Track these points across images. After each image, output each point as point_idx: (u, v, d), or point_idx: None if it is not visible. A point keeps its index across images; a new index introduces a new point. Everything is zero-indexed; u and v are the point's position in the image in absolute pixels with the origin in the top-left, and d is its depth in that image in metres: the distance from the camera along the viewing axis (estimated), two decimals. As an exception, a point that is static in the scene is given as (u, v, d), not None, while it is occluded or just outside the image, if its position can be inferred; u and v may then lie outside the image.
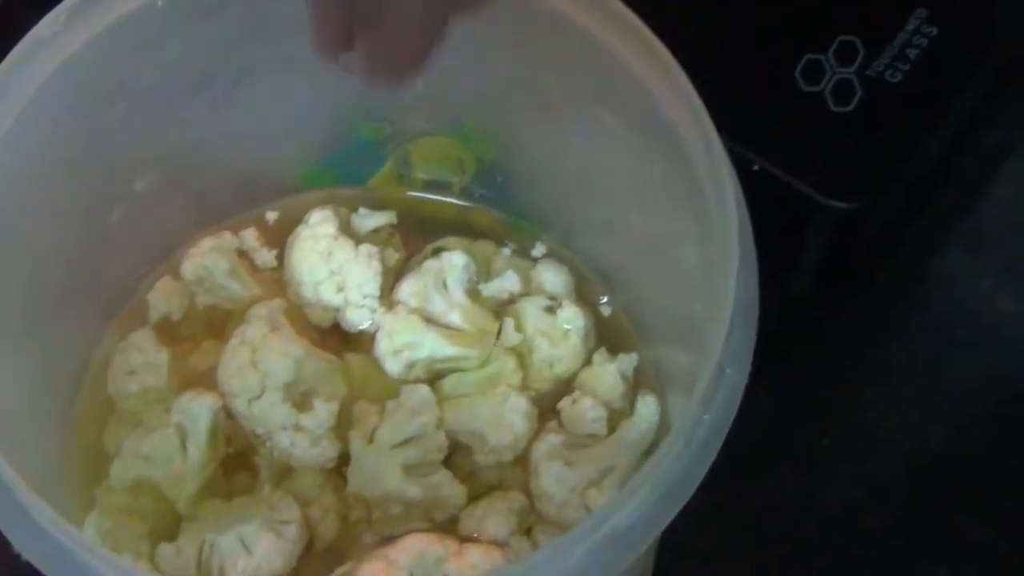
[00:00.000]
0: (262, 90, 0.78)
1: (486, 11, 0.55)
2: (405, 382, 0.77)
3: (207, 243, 0.82)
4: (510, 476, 0.75)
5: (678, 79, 0.63)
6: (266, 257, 0.83)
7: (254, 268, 0.83)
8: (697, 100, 0.62)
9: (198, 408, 0.73)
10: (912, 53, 0.84)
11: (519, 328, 0.78)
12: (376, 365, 0.78)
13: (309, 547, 0.73)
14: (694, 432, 0.57)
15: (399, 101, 0.73)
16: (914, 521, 0.88)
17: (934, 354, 0.95)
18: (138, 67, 0.72)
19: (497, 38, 0.67)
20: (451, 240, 0.83)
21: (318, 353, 0.76)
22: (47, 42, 0.66)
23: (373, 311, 0.79)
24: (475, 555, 0.68)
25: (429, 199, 0.87)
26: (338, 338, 0.80)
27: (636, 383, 0.77)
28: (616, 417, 0.76)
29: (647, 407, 0.74)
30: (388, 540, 0.71)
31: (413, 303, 0.78)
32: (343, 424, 0.75)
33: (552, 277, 0.81)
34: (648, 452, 0.73)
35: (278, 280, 0.82)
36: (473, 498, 0.74)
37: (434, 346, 0.77)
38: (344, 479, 0.74)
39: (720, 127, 0.62)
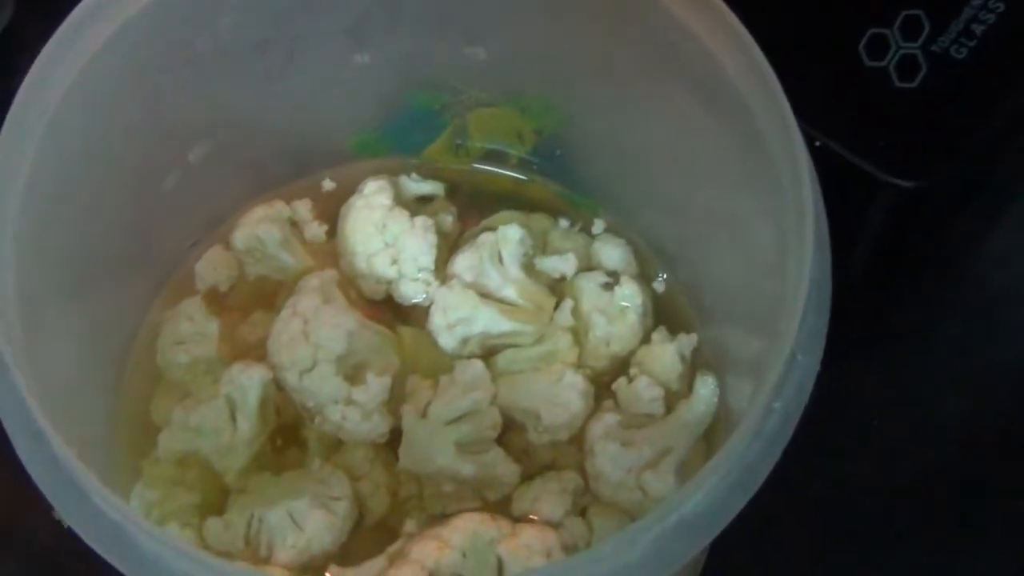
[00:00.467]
0: (317, 58, 0.77)
1: None
2: (459, 357, 0.76)
3: (259, 212, 0.81)
4: (564, 455, 0.74)
5: (753, 54, 0.61)
6: (316, 231, 0.82)
7: (304, 240, 0.82)
8: (772, 76, 0.61)
9: (248, 380, 0.72)
10: (978, 29, 0.82)
11: (575, 304, 0.77)
12: (429, 339, 0.77)
13: (359, 523, 0.72)
14: (764, 421, 0.56)
15: (460, 70, 0.72)
16: (966, 504, 0.87)
17: (989, 335, 0.93)
18: (193, 34, 0.71)
19: (565, 9, 0.66)
20: (507, 213, 0.81)
21: (371, 326, 0.75)
22: (103, 8, 0.65)
23: (427, 284, 0.78)
24: (529, 536, 0.67)
25: (485, 171, 0.85)
26: (390, 311, 0.79)
27: (693, 363, 0.76)
28: (672, 398, 0.74)
29: (706, 388, 0.73)
30: (440, 518, 0.70)
31: (468, 277, 0.77)
32: (395, 399, 0.74)
33: (612, 253, 0.80)
34: (706, 434, 0.72)
35: (330, 251, 0.81)
36: (526, 477, 0.73)
37: (489, 321, 0.76)
38: (395, 455, 0.73)
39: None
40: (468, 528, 0.67)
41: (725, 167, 0.68)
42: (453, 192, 0.84)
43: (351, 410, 0.72)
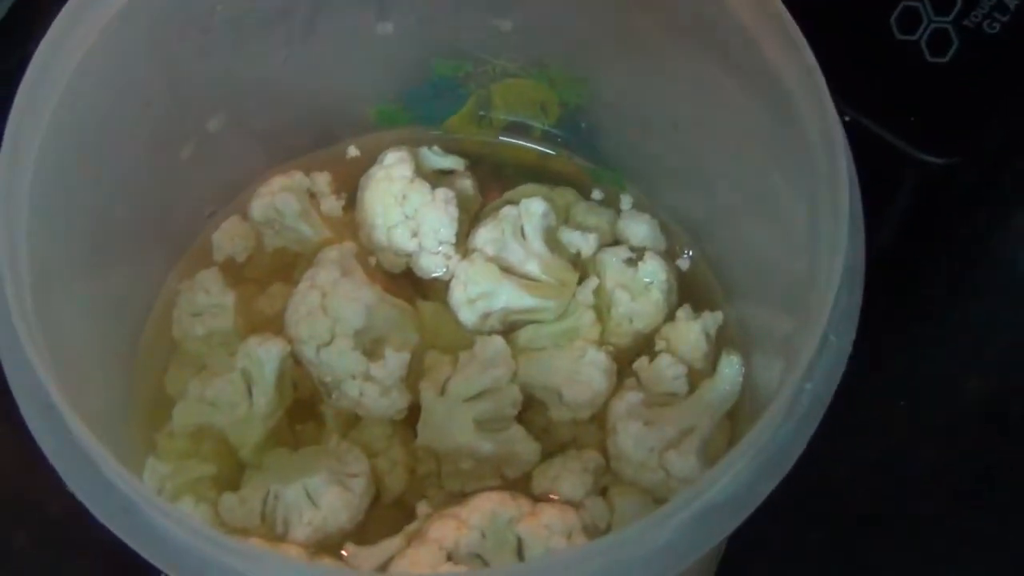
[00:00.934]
0: (340, 26, 0.76)
1: None
2: (479, 333, 0.75)
3: (277, 182, 0.80)
4: (586, 434, 0.73)
5: (788, 28, 0.60)
6: (332, 204, 0.81)
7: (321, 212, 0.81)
8: (808, 51, 0.59)
9: (265, 353, 0.71)
10: (1012, 3, 0.81)
11: (599, 280, 0.76)
12: (449, 314, 0.76)
13: (376, 501, 0.71)
14: (795, 403, 0.55)
15: (484, 40, 0.71)
16: (994, 485, 0.86)
17: (1016, 314, 0.92)
18: (213, 1, 0.70)
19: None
20: (530, 186, 0.80)
21: (390, 300, 0.74)
22: (121, -26, 0.64)
23: (448, 258, 0.77)
24: (549, 515, 0.66)
25: (508, 143, 0.84)
26: (409, 285, 0.78)
27: (718, 342, 0.75)
28: (697, 377, 0.73)
29: (731, 367, 0.71)
30: (458, 497, 0.70)
31: (489, 251, 0.76)
32: (413, 374, 0.73)
33: (638, 229, 0.79)
34: (730, 414, 0.71)
35: (348, 223, 0.80)
36: (547, 455, 0.72)
37: (510, 296, 0.74)
38: (413, 431, 0.72)
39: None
40: (487, 507, 0.66)
41: (755, 141, 0.67)
42: (475, 164, 0.83)
43: (369, 385, 0.71)
